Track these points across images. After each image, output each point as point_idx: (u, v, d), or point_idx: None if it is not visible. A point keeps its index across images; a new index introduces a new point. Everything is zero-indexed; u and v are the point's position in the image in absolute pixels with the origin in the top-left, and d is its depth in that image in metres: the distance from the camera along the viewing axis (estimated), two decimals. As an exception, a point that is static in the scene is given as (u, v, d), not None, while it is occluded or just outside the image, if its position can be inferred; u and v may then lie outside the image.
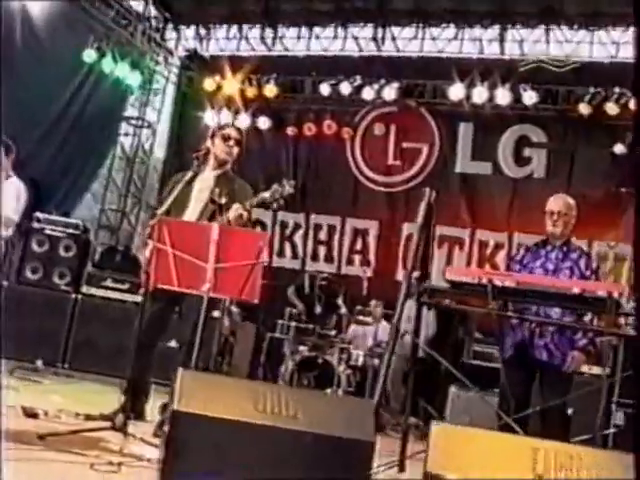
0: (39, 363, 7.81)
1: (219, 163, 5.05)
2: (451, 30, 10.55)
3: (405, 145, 10.90)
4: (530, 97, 9.87)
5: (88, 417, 4.81)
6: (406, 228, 10.69)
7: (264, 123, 11.11)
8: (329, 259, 10.99)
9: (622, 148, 9.60)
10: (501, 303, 4.77)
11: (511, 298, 4.69)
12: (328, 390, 7.83)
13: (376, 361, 8.34)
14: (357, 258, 10.85)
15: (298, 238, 11.08)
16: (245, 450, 3.17)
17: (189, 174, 4.86)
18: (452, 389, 7.85)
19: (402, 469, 4.51)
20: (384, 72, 10.56)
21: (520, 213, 10.23)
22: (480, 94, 10.01)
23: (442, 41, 10.64)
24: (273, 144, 11.33)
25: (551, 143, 10.23)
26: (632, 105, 9.36)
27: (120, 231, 11.01)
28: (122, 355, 7.89)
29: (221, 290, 4.26)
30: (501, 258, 10.30)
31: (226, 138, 5.02)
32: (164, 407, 4.52)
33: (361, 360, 8.33)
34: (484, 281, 4.69)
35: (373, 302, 8.95)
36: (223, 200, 4.59)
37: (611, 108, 9.54)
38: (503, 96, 9.93)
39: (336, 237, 10.93)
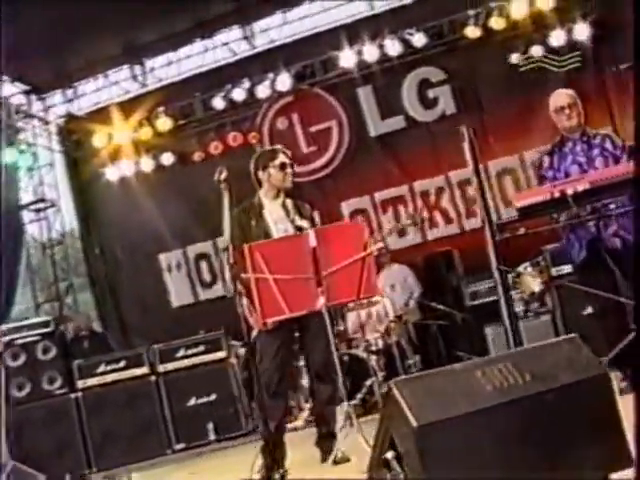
0: (68, 478, 7.17)
1: (279, 191, 4.88)
2: (317, 3, 10.45)
3: (313, 129, 10.70)
4: (419, 39, 9.90)
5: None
6: (345, 206, 10.59)
7: (168, 159, 10.67)
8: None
9: (518, 57, 9.81)
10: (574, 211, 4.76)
11: (590, 199, 4.65)
12: (368, 382, 7.59)
13: (394, 338, 8.20)
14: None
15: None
16: (500, 436, 2.89)
17: (256, 207, 4.79)
18: (488, 330, 7.78)
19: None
20: (269, 66, 10.35)
21: (447, 152, 10.25)
22: (370, 53, 9.95)
23: (311, 18, 10.54)
24: (183, 178, 10.88)
25: (450, 77, 10.28)
26: (514, 14, 9.59)
27: (65, 318, 10.28)
28: (153, 430, 7.50)
29: (337, 297, 3.98)
30: (446, 201, 10.38)
31: (282, 167, 4.84)
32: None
33: (380, 343, 8.10)
34: (556, 194, 4.64)
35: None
36: (305, 224, 4.59)
37: (496, 22, 9.67)
38: (393, 47, 9.91)
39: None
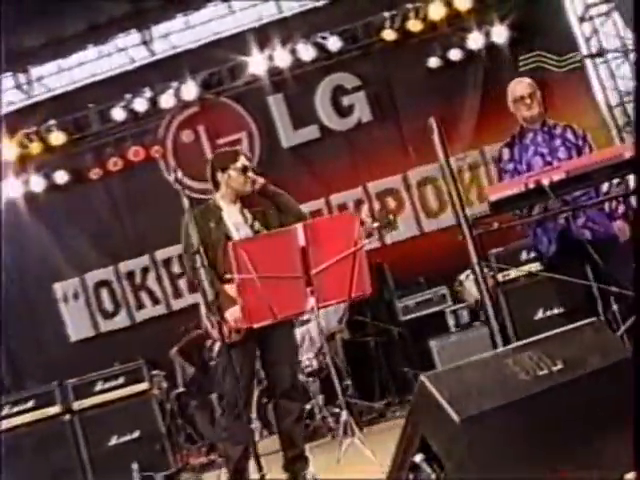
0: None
1: (238, 195, 4.58)
2: (222, 6, 9.81)
3: (221, 141, 9.85)
4: (333, 43, 9.37)
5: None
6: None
7: (61, 178, 9.66)
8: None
9: (437, 61, 9.49)
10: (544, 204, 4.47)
11: (566, 189, 4.28)
12: (308, 406, 6.98)
13: (328, 357, 7.57)
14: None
15: (152, 283, 9.87)
16: (540, 425, 2.75)
17: (214, 210, 4.50)
18: (432, 343, 7.29)
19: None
20: (172, 74, 9.57)
21: (365, 162, 9.84)
22: (282, 58, 9.33)
23: (216, 21, 9.88)
24: (79, 198, 9.90)
25: (365, 83, 9.81)
26: (432, 15, 9.26)
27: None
28: (69, 477, 6.66)
29: (328, 297, 3.38)
30: (365, 212, 9.84)
31: (244, 170, 4.56)
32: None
33: (315, 363, 7.45)
34: (531, 186, 4.26)
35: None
36: (264, 231, 4.36)
37: (414, 25, 9.29)
38: (306, 52, 9.34)
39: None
